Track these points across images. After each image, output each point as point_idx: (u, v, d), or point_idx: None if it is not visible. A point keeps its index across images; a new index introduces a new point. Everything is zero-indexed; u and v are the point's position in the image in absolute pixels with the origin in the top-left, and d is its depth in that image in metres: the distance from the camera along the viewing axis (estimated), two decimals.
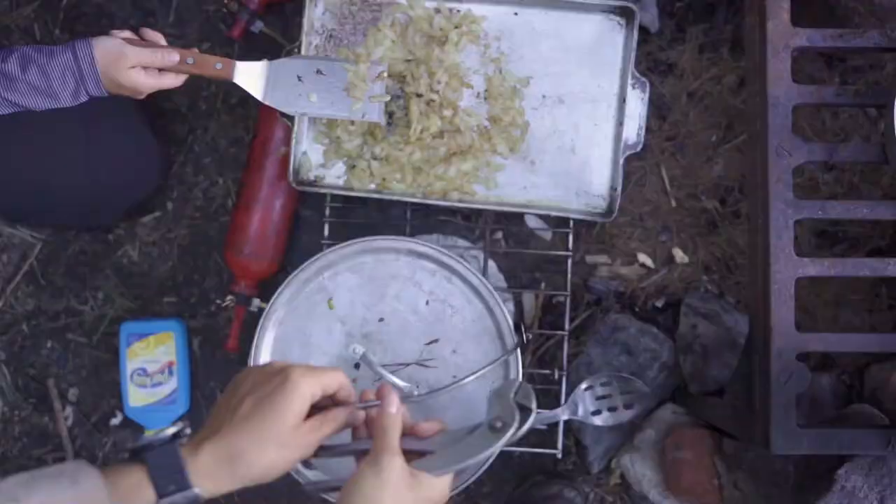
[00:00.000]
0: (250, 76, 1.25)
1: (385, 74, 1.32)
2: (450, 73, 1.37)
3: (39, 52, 1.10)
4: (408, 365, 1.21)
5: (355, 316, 1.20)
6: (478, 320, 1.17)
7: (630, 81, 1.37)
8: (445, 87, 1.37)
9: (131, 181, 1.40)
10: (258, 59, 1.52)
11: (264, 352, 1.25)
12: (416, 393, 1.18)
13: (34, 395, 1.54)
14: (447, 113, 1.37)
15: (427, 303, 1.19)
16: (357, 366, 1.21)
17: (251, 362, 1.23)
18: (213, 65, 1.21)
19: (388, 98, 1.33)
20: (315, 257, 1.20)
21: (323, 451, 0.87)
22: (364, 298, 1.21)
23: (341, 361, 1.22)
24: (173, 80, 1.19)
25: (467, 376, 1.16)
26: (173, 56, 1.17)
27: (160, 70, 1.16)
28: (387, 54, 1.38)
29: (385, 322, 1.19)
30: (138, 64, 1.14)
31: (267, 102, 1.26)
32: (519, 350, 1.16)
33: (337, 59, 1.34)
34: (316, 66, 1.29)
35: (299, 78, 1.27)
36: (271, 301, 1.22)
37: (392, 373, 1.20)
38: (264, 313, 1.23)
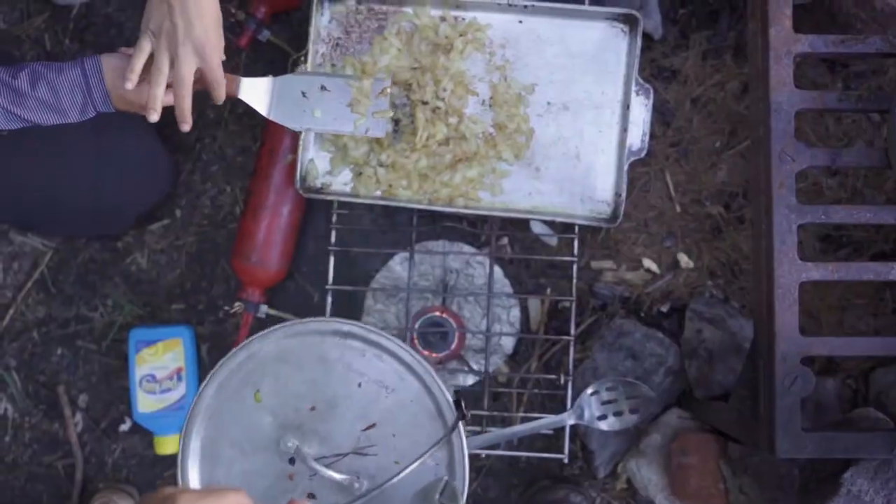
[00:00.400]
0: (255, 92, 1.25)
1: (388, 90, 1.34)
2: (455, 80, 1.38)
3: (49, 69, 1.11)
4: (345, 455, 1.10)
5: (286, 406, 1.09)
6: (416, 399, 1.07)
7: (634, 88, 1.38)
8: (451, 95, 1.38)
9: (141, 191, 1.41)
10: (266, 67, 1.55)
11: (192, 457, 1.12)
12: (356, 485, 1.07)
13: (44, 401, 1.55)
14: (453, 120, 1.38)
15: (359, 385, 1.09)
16: (292, 461, 1.11)
17: (178, 473, 1.12)
18: None
19: (391, 114, 1.34)
20: (237, 348, 1.10)
21: None
22: (293, 387, 1.10)
23: (275, 457, 1.11)
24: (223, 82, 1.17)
25: (411, 463, 1.04)
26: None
27: (168, 86, 1.15)
28: (392, 62, 1.40)
29: (317, 410, 1.09)
30: (146, 80, 1.13)
31: (271, 118, 1.27)
32: (461, 425, 1.06)
33: (341, 75, 1.35)
34: (320, 82, 1.30)
35: (303, 94, 1.28)
36: (193, 402, 1.11)
37: (329, 465, 1.08)
38: (187, 416, 1.11)
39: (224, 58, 1.17)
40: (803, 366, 1.13)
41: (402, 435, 1.08)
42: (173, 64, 1.12)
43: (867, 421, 1.29)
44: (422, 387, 1.08)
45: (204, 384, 1.10)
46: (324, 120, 1.30)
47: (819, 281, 1.15)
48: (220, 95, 1.18)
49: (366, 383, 1.09)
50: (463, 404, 1.07)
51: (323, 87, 1.29)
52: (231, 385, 1.10)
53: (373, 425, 1.09)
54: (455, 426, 1.06)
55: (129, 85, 1.11)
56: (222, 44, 1.15)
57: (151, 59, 1.14)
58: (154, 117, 1.15)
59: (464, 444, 1.06)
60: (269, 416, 1.10)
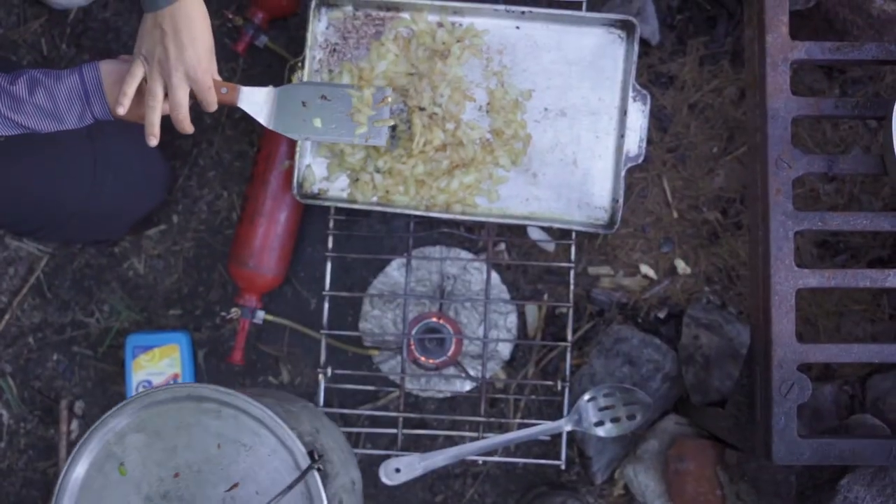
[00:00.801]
0: (255, 102, 1.24)
1: (389, 99, 1.34)
2: (452, 86, 1.38)
3: (47, 76, 1.11)
4: None
5: (150, 476, 1.09)
6: (273, 453, 1.08)
7: (631, 94, 1.38)
8: (448, 101, 1.38)
9: (138, 197, 1.41)
10: (263, 72, 1.55)
11: None
12: None
13: (40, 407, 1.55)
14: (450, 126, 1.38)
15: (219, 446, 1.09)
16: None
17: None
18: (219, 90, 1.19)
19: (392, 123, 1.34)
20: (96, 423, 1.10)
21: None
22: (155, 456, 1.10)
23: None
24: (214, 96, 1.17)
25: None
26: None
27: (166, 95, 1.15)
28: (390, 68, 1.40)
29: (181, 477, 1.09)
30: (139, 100, 1.12)
31: (271, 128, 1.26)
32: (316, 473, 1.06)
33: (341, 84, 1.35)
34: (321, 91, 1.30)
35: (304, 104, 1.28)
36: (58, 483, 1.09)
37: None
38: (54, 495, 1.09)
39: (217, 78, 1.17)
40: (800, 372, 1.13)
41: (264, 491, 1.08)
42: (166, 89, 1.12)
43: (864, 427, 1.29)
44: (277, 440, 1.09)
45: (68, 463, 1.09)
46: (324, 129, 1.29)
47: (816, 288, 1.15)
48: (210, 109, 1.19)
49: (224, 444, 1.09)
50: (316, 454, 1.07)
51: (324, 97, 1.29)
52: (96, 460, 1.10)
53: (236, 485, 1.09)
54: (305, 473, 1.07)
55: (121, 111, 1.12)
56: (214, 67, 1.15)
57: (144, 81, 1.13)
58: (153, 142, 1.15)
59: (321, 491, 1.07)
60: (135, 489, 1.10)
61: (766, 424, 1.13)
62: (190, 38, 1.09)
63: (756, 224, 1.18)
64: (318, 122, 1.28)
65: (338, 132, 1.30)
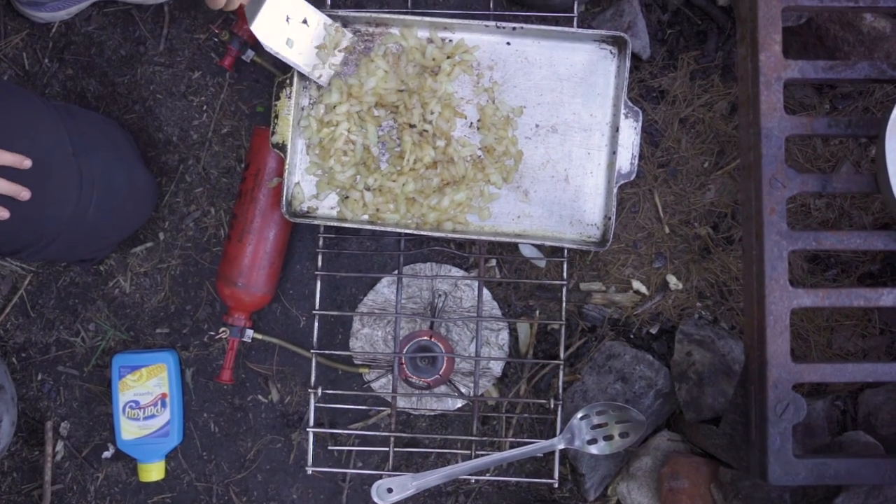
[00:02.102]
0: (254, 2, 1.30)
1: (351, 47, 1.39)
2: (443, 103, 1.37)
3: None
4: None
5: None
6: None
7: (623, 111, 1.37)
8: (438, 118, 1.37)
9: (124, 216, 1.38)
10: (251, 87, 1.53)
11: None
12: None
13: (24, 428, 1.52)
14: (440, 143, 1.37)
15: None
16: None
17: None
18: None
19: (340, 69, 1.39)
20: None
21: None
22: None
23: None
24: None
25: None
26: None
27: None
28: (379, 84, 1.38)
29: None
30: None
31: (252, 28, 1.31)
32: None
33: (328, 11, 1.38)
34: (304, 14, 1.35)
35: (287, 19, 1.33)
36: None
37: None
38: None
39: None
40: (795, 392, 1.13)
41: None
42: None
43: (858, 445, 1.29)
44: None
45: None
46: (292, 50, 1.34)
47: (810, 307, 1.15)
48: (215, 7, 1.26)
49: None
50: None
51: (305, 21, 1.35)
52: None
53: None
54: None
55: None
56: None
57: None
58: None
59: None
60: None
61: (761, 445, 1.13)
62: None
63: (750, 243, 1.18)
64: (290, 41, 1.34)
65: (301, 58, 1.36)
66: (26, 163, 1.18)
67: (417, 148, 1.36)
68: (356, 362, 1.50)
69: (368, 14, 1.39)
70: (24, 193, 1.19)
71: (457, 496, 1.50)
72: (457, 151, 1.37)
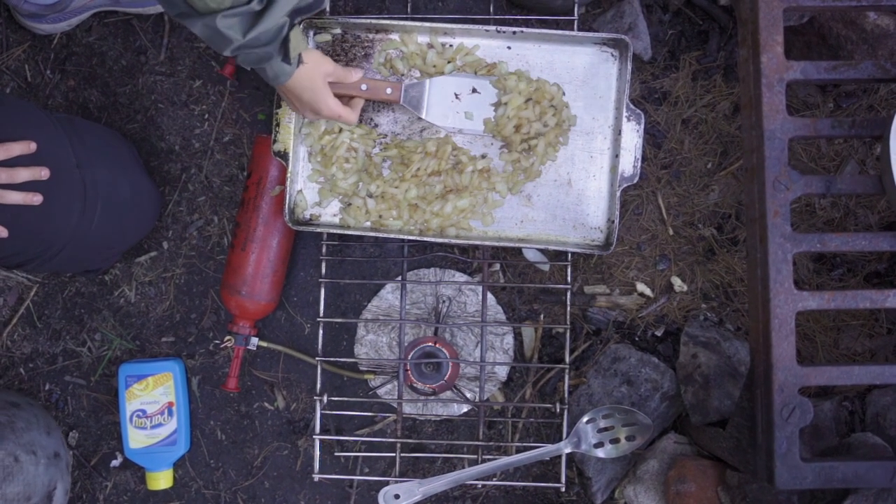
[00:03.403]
0: (413, 96, 1.34)
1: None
2: None
3: None
4: None
5: None
6: None
7: (625, 114, 1.36)
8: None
9: (128, 226, 1.38)
10: (251, 95, 1.53)
11: None
12: None
13: None
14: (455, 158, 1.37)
15: None
16: None
17: None
18: (384, 90, 1.33)
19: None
20: None
21: None
22: None
23: None
24: (351, 115, 1.31)
25: None
26: (357, 73, 1.32)
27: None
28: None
29: None
30: (333, 73, 1.27)
31: (427, 119, 1.34)
32: None
33: (486, 77, 1.38)
34: (472, 84, 1.36)
35: (456, 95, 1.35)
36: None
37: None
38: None
39: (338, 110, 1.29)
40: (801, 395, 1.12)
41: None
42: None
43: (865, 447, 1.28)
44: None
45: None
46: (475, 120, 1.36)
47: (816, 310, 1.14)
48: (351, 124, 1.36)
49: None
50: None
51: (475, 90, 1.36)
52: None
53: None
54: None
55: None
56: (331, 101, 1.28)
57: None
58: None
59: None
60: None
61: (767, 448, 1.13)
62: (299, 102, 1.28)
63: (754, 246, 1.17)
64: (469, 114, 1.36)
65: (478, 123, 1.37)
66: (32, 146, 1.19)
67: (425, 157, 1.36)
68: (361, 369, 1.50)
69: (368, 20, 1.38)
70: (35, 198, 1.20)
71: (464, 501, 1.50)
72: (465, 164, 1.37)
